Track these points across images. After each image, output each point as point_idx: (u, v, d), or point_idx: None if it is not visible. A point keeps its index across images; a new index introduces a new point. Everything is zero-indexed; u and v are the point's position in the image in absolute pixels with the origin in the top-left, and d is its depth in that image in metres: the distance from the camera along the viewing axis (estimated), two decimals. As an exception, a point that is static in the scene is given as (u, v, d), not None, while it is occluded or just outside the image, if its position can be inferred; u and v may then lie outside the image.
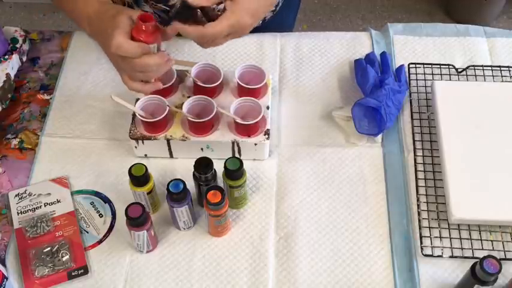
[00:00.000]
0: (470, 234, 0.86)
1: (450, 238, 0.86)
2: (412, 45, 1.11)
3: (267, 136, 0.91)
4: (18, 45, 1.07)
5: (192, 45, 1.10)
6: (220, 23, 0.77)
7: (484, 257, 0.73)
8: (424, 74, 1.05)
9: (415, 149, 0.95)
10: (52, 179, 0.93)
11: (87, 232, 0.88)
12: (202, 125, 0.90)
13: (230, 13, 0.77)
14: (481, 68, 1.05)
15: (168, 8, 1.01)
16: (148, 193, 0.85)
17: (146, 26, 0.76)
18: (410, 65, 1.06)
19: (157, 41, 0.78)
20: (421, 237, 0.86)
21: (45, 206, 0.90)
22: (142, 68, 0.79)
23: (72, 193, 0.92)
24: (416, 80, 1.05)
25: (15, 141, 0.98)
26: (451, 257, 0.84)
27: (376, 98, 0.94)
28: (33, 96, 1.05)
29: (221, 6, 0.80)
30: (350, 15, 2.39)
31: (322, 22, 2.36)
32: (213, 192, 0.80)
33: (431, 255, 0.84)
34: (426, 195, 0.90)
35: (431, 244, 0.85)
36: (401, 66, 1.04)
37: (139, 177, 0.83)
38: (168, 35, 0.80)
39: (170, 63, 0.82)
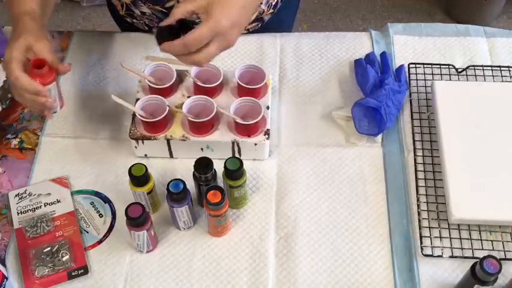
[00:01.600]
0: (470, 234, 0.86)
1: (450, 238, 0.86)
2: (412, 45, 1.11)
3: (267, 136, 0.91)
4: (18, 45, 1.07)
5: (192, 45, 1.10)
6: (198, 27, 0.77)
7: (484, 257, 0.73)
8: (424, 74, 1.05)
9: (415, 149, 0.95)
10: (52, 179, 0.93)
11: (87, 232, 0.88)
12: (202, 125, 0.90)
13: (206, 16, 0.77)
14: (481, 68, 1.05)
15: (165, 10, 1.01)
16: (148, 193, 0.85)
17: (39, 72, 0.79)
18: (410, 65, 1.06)
19: (53, 80, 0.82)
20: (421, 237, 0.86)
21: (45, 206, 0.90)
22: (30, 102, 0.82)
23: (72, 193, 0.92)
24: (416, 80, 1.05)
25: (15, 141, 0.98)
26: (451, 257, 0.84)
27: (376, 98, 0.94)
28: (33, 96, 1.05)
29: None
30: (350, 15, 2.39)
31: (322, 22, 2.36)
32: (213, 192, 0.80)
33: (431, 255, 0.84)
34: (426, 195, 0.90)
35: (431, 244, 0.85)
36: (401, 66, 1.04)
37: (139, 177, 0.83)
38: (61, 71, 0.83)
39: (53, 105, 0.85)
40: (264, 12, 1.07)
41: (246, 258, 0.85)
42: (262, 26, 1.12)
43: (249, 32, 1.12)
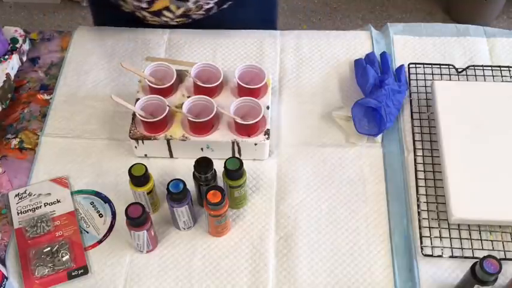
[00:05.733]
0: (470, 234, 0.86)
1: (450, 238, 0.86)
2: (412, 45, 1.11)
3: (267, 136, 0.91)
4: (18, 45, 1.07)
5: (192, 45, 1.10)
6: None
7: (484, 257, 0.73)
8: (424, 74, 1.05)
9: (415, 149, 0.95)
10: (52, 179, 0.93)
11: (87, 232, 0.88)
12: (202, 125, 0.90)
13: None
14: (481, 68, 1.05)
15: (147, 6, 1.02)
16: (148, 193, 0.85)
17: None
18: (410, 65, 1.06)
19: None
20: (421, 237, 0.86)
21: (45, 206, 0.90)
22: None
23: (72, 193, 0.92)
24: (416, 80, 1.05)
25: (15, 141, 0.98)
26: (451, 257, 0.84)
27: (376, 98, 0.94)
28: (33, 96, 1.05)
29: None
30: (350, 15, 2.39)
31: (322, 22, 2.36)
32: (213, 192, 0.80)
33: (431, 255, 0.84)
34: (426, 195, 0.90)
35: (431, 244, 0.85)
36: (401, 66, 1.05)
37: (139, 177, 0.82)
38: None
39: None
40: None
41: (246, 258, 0.85)
42: (209, 16, 1.08)
43: (194, 20, 1.09)
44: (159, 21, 1.09)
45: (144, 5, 1.03)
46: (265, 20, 1.22)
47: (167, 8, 1.04)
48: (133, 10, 1.07)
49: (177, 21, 1.09)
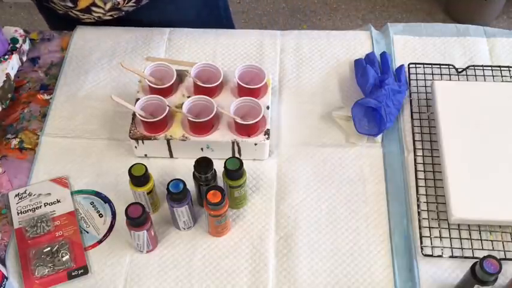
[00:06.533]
0: (470, 234, 0.86)
1: (450, 238, 0.86)
2: (412, 45, 1.11)
3: (267, 136, 0.91)
4: (18, 45, 1.07)
5: (192, 45, 1.10)
6: None
7: (484, 257, 0.73)
8: (424, 74, 1.05)
9: (415, 149, 0.95)
10: (52, 179, 0.93)
11: (87, 232, 0.88)
12: (202, 125, 0.90)
13: None
14: (481, 68, 1.05)
15: (72, 5, 1.02)
16: (148, 193, 0.85)
17: None
18: (410, 65, 1.06)
19: None
20: (421, 237, 0.86)
21: (45, 206, 0.90)
22: None
23: (72, 193, 0.92)
24: (416, 80, 1.05)
25: (15, 141, 0.98)
26: (451, 257, 0.84)
27: (376, 98, 0.94)
28: (33, 96, 1.05)
29: None
30: (350, 15, 2.39)
31: (322, 22, 2.36)
32: (213, 192, 0.80)
33: (431, 255, 0.84)
34: (426, 195, 0.90)
35: (431, 244, 0.85)
36: (401, 66, 1.05)
37: (139, 177, 0.83)
38: None
39: None
40: None
41: (246, 258, 0.85)
42: (143, 6, 1.09)
43: (127, 12, 1.09)
44: (93, 18, 1.09)
45: (70, 4, 1.04)
46: (209, 5, 1.21)
47: (94, 4, 1.04)
48: (65, 11, 1.07)
49: (110, 15, 1.09)
